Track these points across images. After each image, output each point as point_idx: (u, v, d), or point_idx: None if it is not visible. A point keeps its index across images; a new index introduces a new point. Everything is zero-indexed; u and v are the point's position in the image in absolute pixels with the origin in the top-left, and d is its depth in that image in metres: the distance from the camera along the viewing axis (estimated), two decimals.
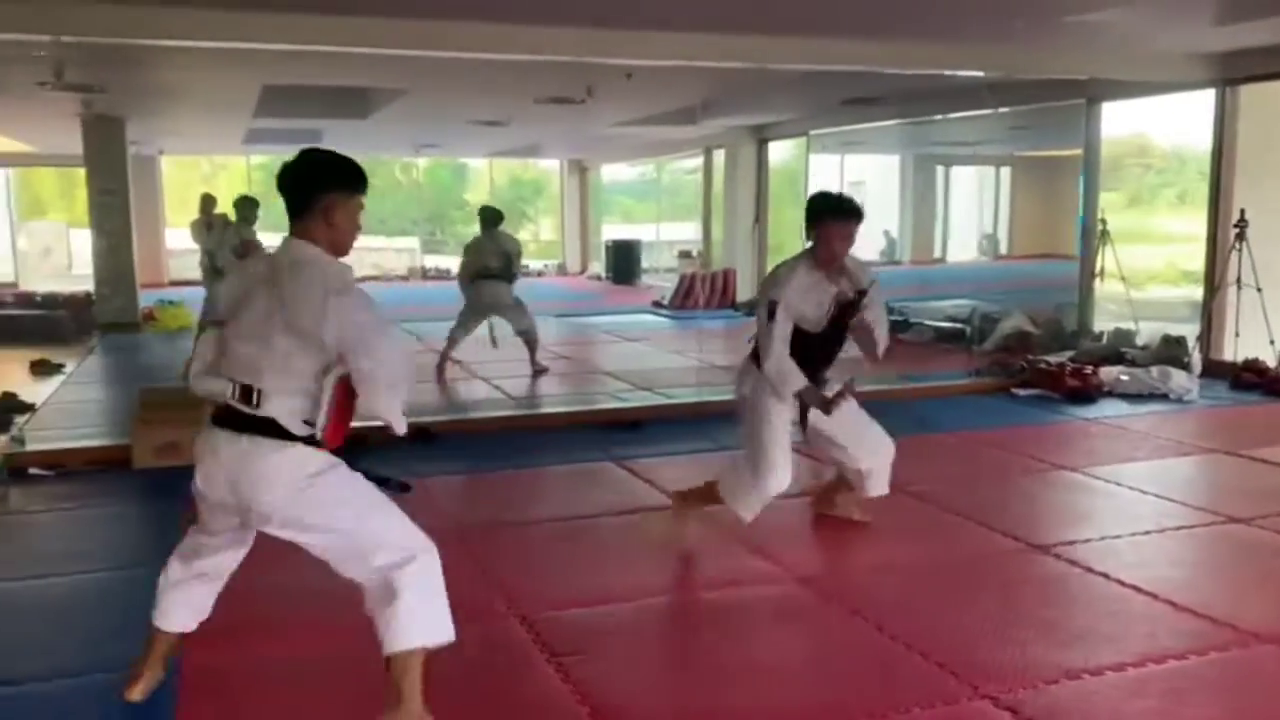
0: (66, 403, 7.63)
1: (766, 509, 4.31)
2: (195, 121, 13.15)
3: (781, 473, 4.20)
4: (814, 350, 4.20)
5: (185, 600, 3.10)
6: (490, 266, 8.83)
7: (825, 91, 10.15)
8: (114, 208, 11.65)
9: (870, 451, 4.43)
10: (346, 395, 2.76)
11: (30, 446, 5.91)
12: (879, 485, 4.51)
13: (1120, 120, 9.55)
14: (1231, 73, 7.96)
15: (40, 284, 15.65)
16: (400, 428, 2.82)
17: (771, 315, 4.06)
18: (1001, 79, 8.13)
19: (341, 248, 2.82)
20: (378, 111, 10.92)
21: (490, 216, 9.15)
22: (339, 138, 14.48)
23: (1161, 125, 18.01)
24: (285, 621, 3.66)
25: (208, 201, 11.33)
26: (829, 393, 4.21)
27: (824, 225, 4.08)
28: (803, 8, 6.24)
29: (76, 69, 7.92)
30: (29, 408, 7.03)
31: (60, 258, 19.90)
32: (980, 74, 7.86)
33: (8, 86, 8.79)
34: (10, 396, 7.08)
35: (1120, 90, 8.84)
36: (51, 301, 12.14)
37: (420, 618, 2.78)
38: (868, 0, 6.02)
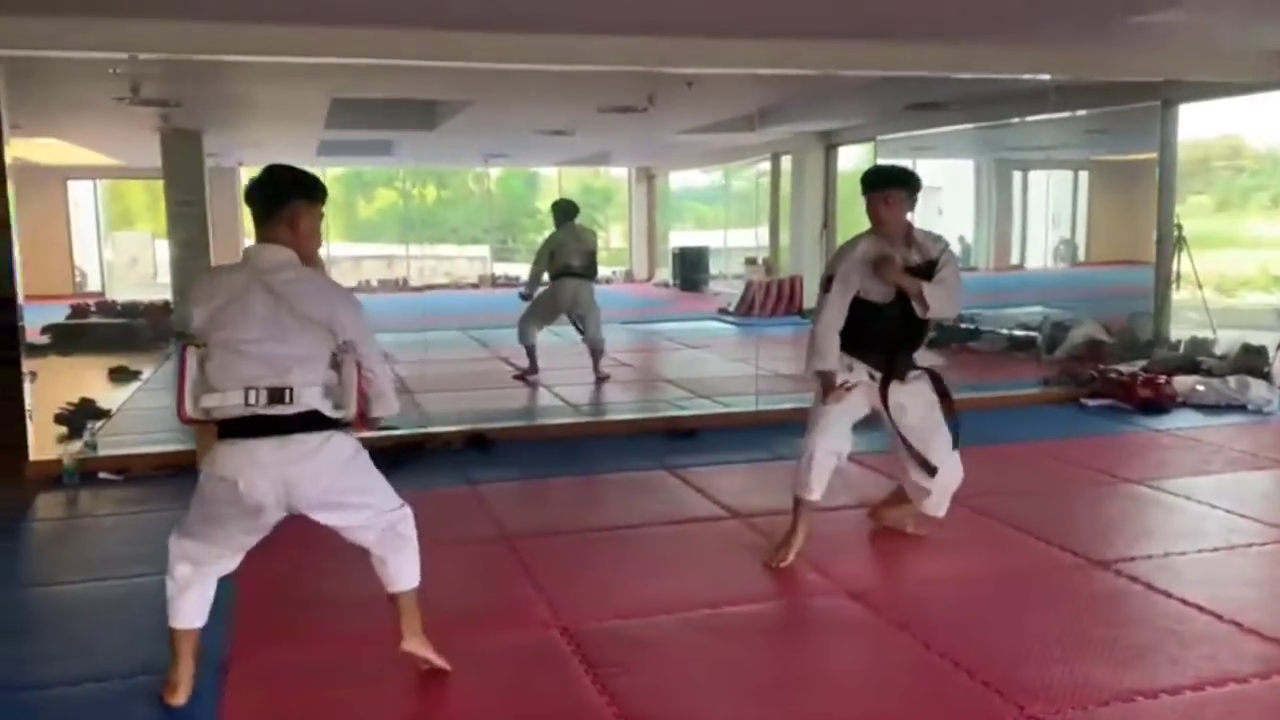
0: (140, 409, 7.87)
1: (825, 521, 4.28)
2: (269, 134, 13.47)
3: (819, 454, 4.25)
4: (886, 327, 4.17)
5: (200, 595, 3.21)
6: (573, 265, 8.61)
7: (891, 97, 10.02)
8: (190, 218, 11.96)
9: (936, 451, 4.32)
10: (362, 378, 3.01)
11: (101, 451, 6.09)
12: (935, 505, 4.42)
13: (1209, 121, 9.26)
14: None
15: (127, 293, 16.16)
16: (387, 411, 3.12)
17: (826, 288, 4.19)
18: (1070, 82, 7.93)
19: (306, 253, 3.04)
20: (445, 123, 11.06)
21: (566, 209, 8.87)
22: (409, 150, 14.74)
23: (1255, 126, 17.43)
24: (330, 627, 3.71)
25: None
26: (909, 378, 4.24)
27: (866, 197, 4.22)
28: (865, 13, 6.17)
29: (152, 84, 8.15)
30: (105, 413, 7.25)
31: (146, 267, 20.51)
32: (1046, 77, 7.68)
33: (88, 102, 9.09)
34: (88, 403, 7.30)
35: (1198, 92, 8.57)
36: (132, 310, 12.53)
37: (418, 561, 3.24)
38: (929, 4, 5.91)
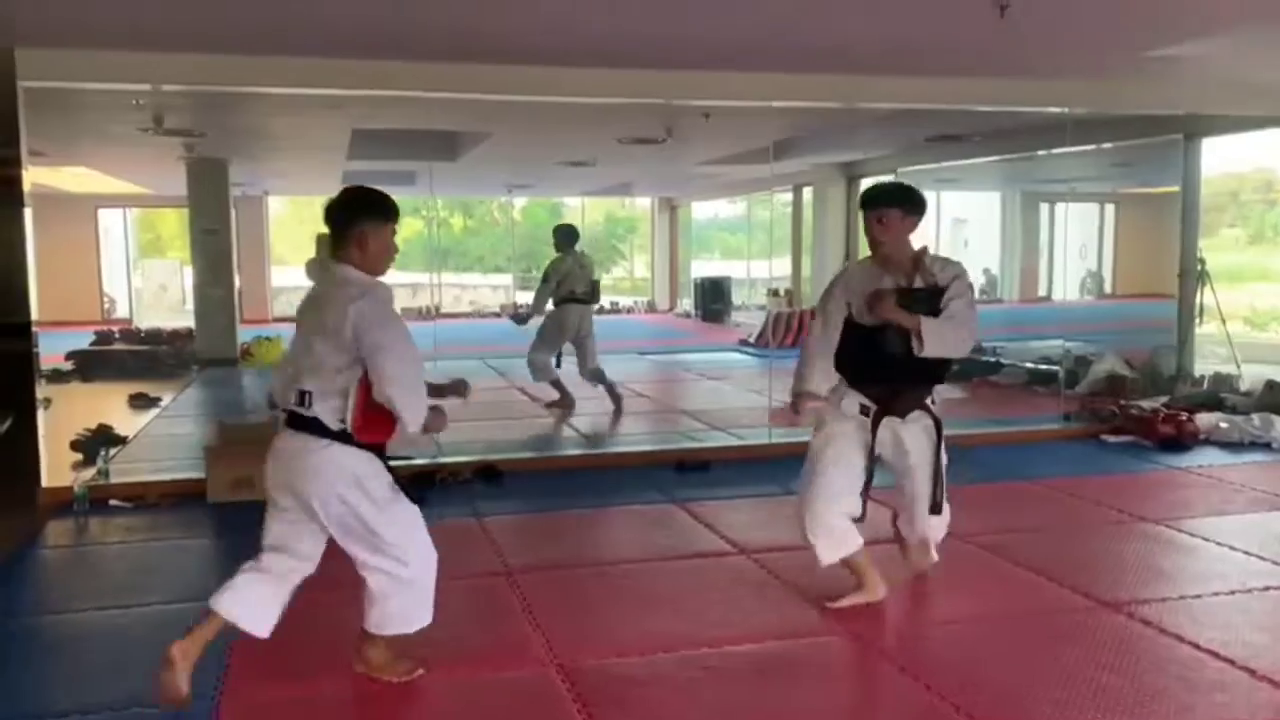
0: (156, 435, 7.92)
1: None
2: (293, 164, 13.64)
3: (817, 506, 4.00)
4: (881, 356, 3.86)
5: (257, 594, 3.34)
6: (578, 291, 8.60)
7: (911, 129, 10.02)
8: (215, 246, 12.10)
9: (919, 514, 4.13)
10: (368, 393, 3.14)
11: (114, 479, 6.12)
12: (919, 554, 4.31)
13: (1242, 154, 9.18)
14: None
15: (155, 320, 16.36)
16: (412, 425, 3.15)
17: (813, 315, 4.16)
18: (1089, 115, 7.88)
19: (374, 268, 3.28)
20: (467, 154, 11.15)
21: (569, 234, 8.84)
22: (435, 181, 14.84)
23: None
24: (325, 665, 3.68)
25: (324, 241, 11.71)
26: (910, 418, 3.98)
27: (862, 216, 4.00)
28: (881, 47, 6.17)
29: (175, 115, 8.29)
30: (121, 440, 7.30)
31: (175, 294, 20.78)
32: (1064, 110, 7.63)
33: (114, 132, 9.23)
34: (105, 429, 7.34)
35: (1220, 125, 8.51)
36: (155, 337, 12.67)
37: (408, 609, 3.39)
38: (943, 38, 5.90)
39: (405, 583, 3.34)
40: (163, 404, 9.31)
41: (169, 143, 9.69)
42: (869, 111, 8.16)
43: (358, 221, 3.23)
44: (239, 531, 5.32)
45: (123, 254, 19.48)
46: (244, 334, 13.04)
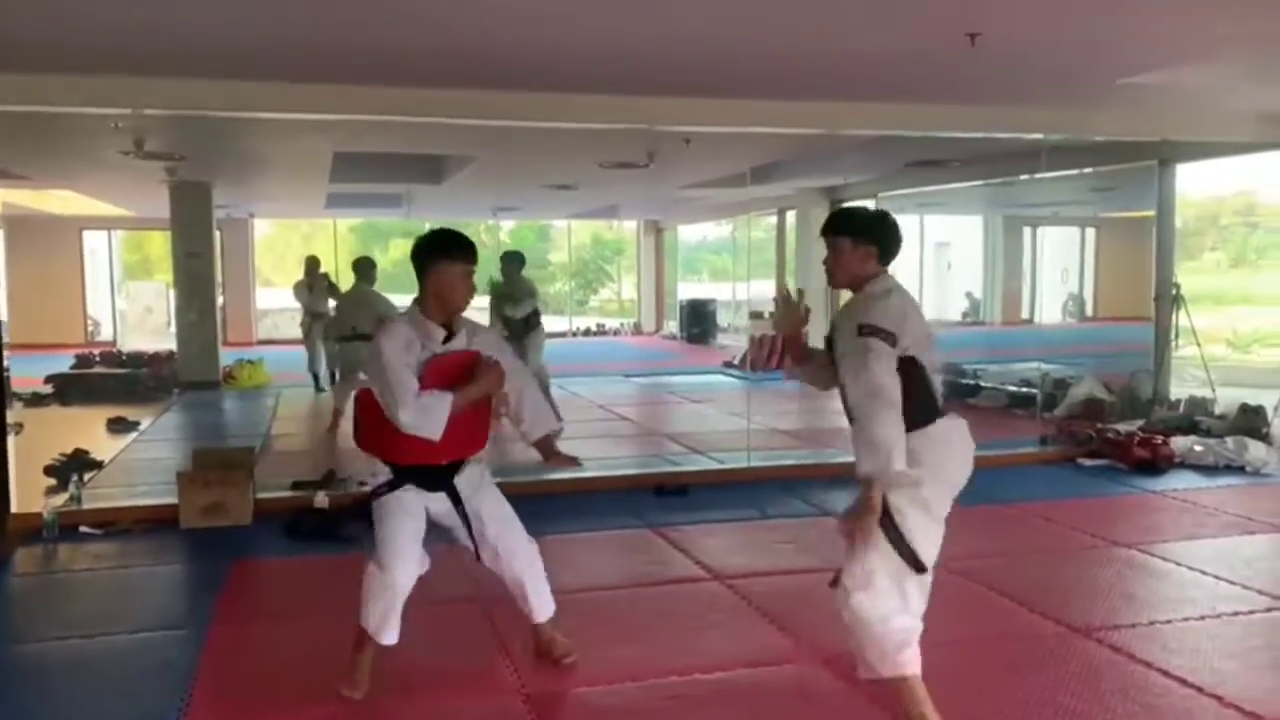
0: (133, 460, 7.88)
1: (799, 583, 4.19)
2: (278, 187, 13.64)
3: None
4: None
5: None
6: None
7: (891, 154, 10.07)
8: (197, 269, 12.08)
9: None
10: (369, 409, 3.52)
11: (87, 504, 6.08)
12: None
13: (1223, 179, 9.28)
14: None
15: (140, 343, 16.31)
16: (417, 431, 3.37)
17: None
18: (1064, 141, 7.95)
19: (442, 306, 3.51)
20: (451, 177, 11.17)
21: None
22: (419, 203, 14.87)
23: (1268, 183, 17.41)
24: (290, 696, 3.66)
25: (311, 263, 11.73)
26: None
27: None
28: (858, 75, 6.22)
29: (155, 139, 8.28)
30: (97, 465, 7.27)
31: (160, 317, 20.73)
32: (1040, 136, 7.70)
33: (94, 156, 9.23)
34: (81, 453, 7.31)
35: (1194, 151, 8.58)
36: (136, 360, 12.61)
37: None
38: (917, 66, 5.95)
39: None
40: (141, 428, 9.27)
41: (151, 166, 9.68)
42: (849, 137, 8.21)
43: (423, 262, 3.50)
44: (210, 557, 5.33)
45: (107, 276, 19.42)
46: (227, 357, 13.01)
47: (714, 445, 8.34)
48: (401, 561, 3.55)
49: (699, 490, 6.78)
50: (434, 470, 3.58)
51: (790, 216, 15.40)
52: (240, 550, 5.47)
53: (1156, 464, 7.15)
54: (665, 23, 4.91)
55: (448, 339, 3.52)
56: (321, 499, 6.04)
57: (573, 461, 3.95)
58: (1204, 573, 4.95)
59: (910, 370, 3.08)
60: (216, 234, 14.12)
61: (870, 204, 13.81)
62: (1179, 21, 5.02)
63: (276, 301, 19.63)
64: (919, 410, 3.07)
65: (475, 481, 3.71)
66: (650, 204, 18.12)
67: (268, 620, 4.45)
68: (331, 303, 10.70)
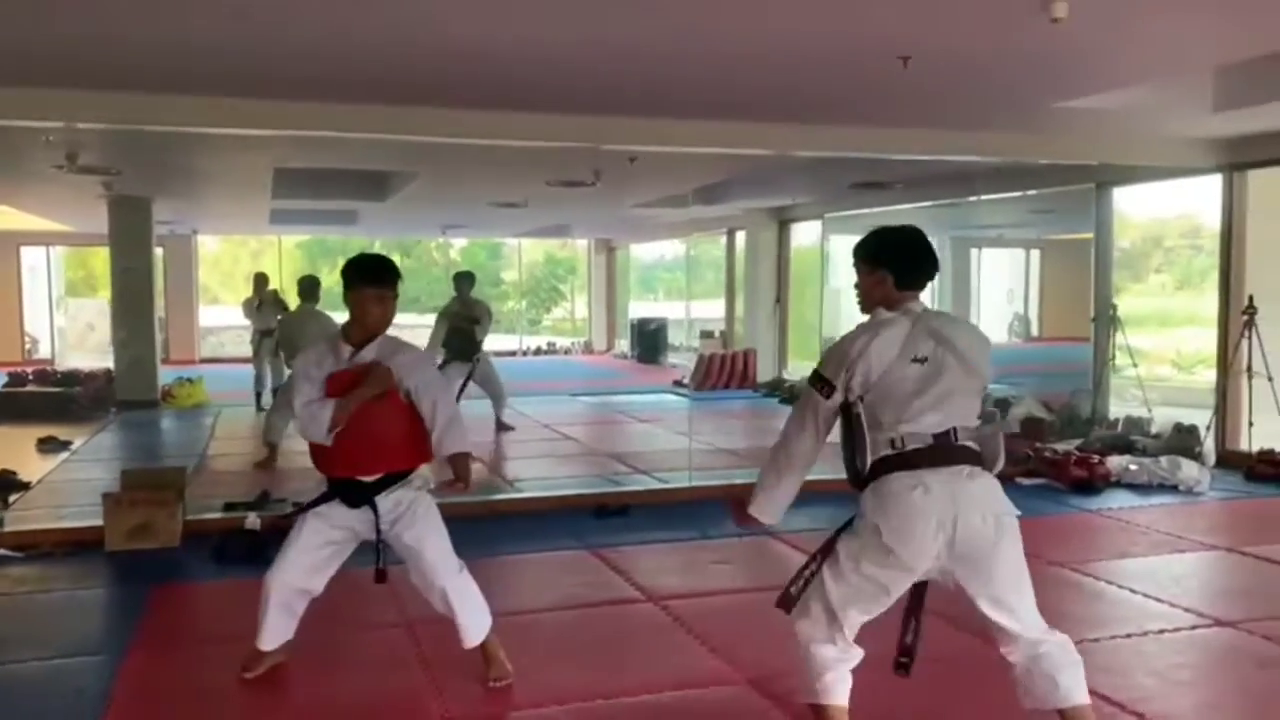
0: (60, 481, 7.69)
1: (730, 603, 4.18)
2: (219, 202, 13.46)
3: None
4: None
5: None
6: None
7: (836, 176, 10.16)
8: (136, 285, 11.85)
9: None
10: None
11: (9, 527, 5.92)
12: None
13: (1169, 200, 9.42)
14: (1237, 158, 7.84)
15: (80, 361, 15.99)
16: (306, 434, 3.62)
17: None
18: (1003, 164, 8.06)
19: (359, 327, 3.67)
20: (396, 194, 11.09)
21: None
22: (367, 220, 14.75)
23: (1212, 206, 17.72)
24: None
25: (259, 280, 11.57)
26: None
27: None
28: (800, 98, 6.26)
29: (89, 153, 8.13)
30: (23, 486, 7.08)
31: (102, 334, 20.33)
32: (978, 159, 7.79)
33: (28, 169, 9.04)
34: (7, 474, 7.13)
35: (1130, 175, 8.75)
36: (71, 379, 12.34)
37: None
38: (853, 89, 6.00)
39: None
40: (73, 448, 9.05)
41: (87, 181, 9.50)
42: (794, 158, 8.26)
43: (346, 286, 3.67)
44: (133, 582, 5.20)
45: (46, 293, 19.04)
46: (167, 375, 12.78)
47: (657, 465, 8.31)
48: (279, 567, 3.70)
49: (640, 510, 6.74)
50: (358, 485, 3.66)
51: (740, 237, 15.46)
52: (165, 574, 5.34)
53: (1093, 483, 7.24)
54: (603, 45, 4.92)
55: (354, 355, 3.65)
56: (253, 520, 5.91)
57: (458, 486, 3.84)
58: (1133, 591, 5.00)
59: (849, 418, 2.95)
60: (158, 250, 13.93)
61: (817, 225, 13.94)
62: (1112, 47, 5.12)
63: (223, 319, 19.37)
64: (861, 462, 2.93)
65: (403, 506, 3.72)
66: (601, 223, 18.14)
67: (187, 645, 4.34)
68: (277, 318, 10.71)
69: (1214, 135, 7.68)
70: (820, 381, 2.97)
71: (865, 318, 3.11)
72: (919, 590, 3.07)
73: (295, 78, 5.60)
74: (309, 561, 3.72)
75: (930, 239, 3.12)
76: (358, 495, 3.67)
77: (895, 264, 3.05)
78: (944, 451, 2.90)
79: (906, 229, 3.21)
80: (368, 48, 4.95)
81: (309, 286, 8.74)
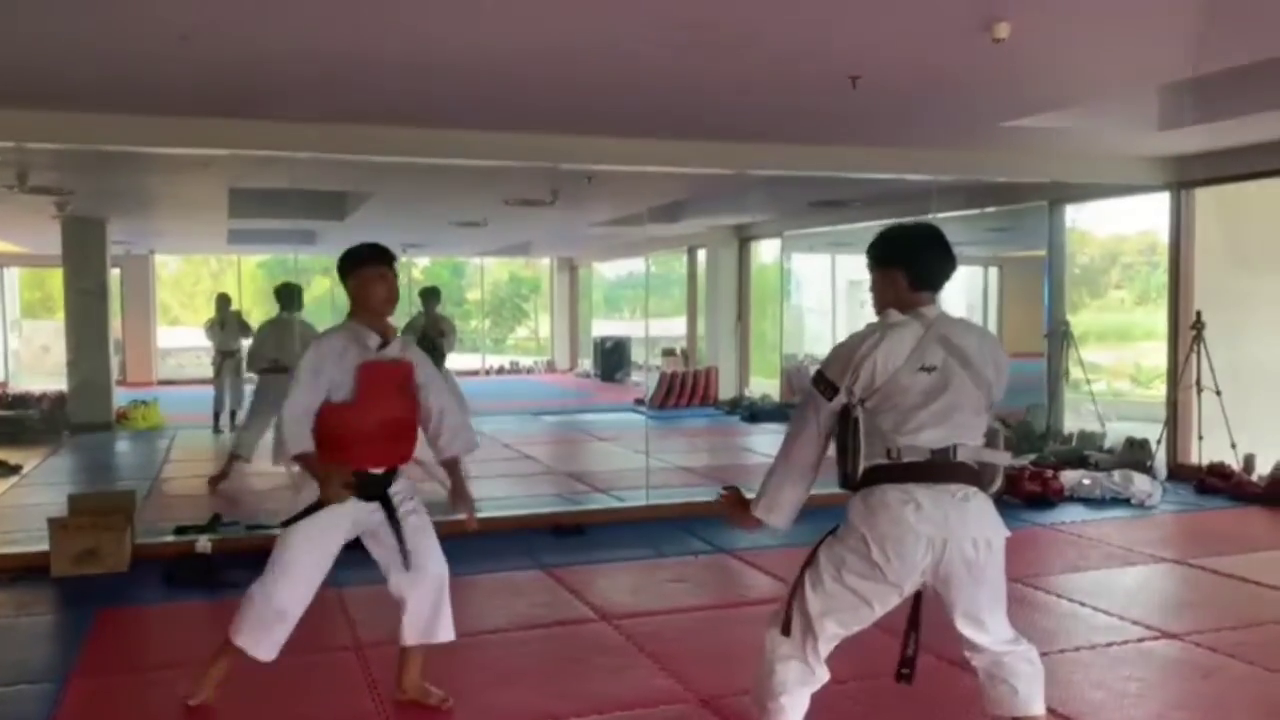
0: (8, 506, 7.56)
1: (681, 622, 4.15)
2: (175, 222, 13.32)
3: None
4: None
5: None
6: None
7: (794, 194, 10.24)
8: (91, 307, 11.69)
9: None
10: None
11: None
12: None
13: (1128, 217, 9.53)
14: (1184, 175, 7.98)
15: (36, 383, 15.69)
16: (278, 432, 3.53)
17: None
18: (960, 182, 8.15)
19: (366, 309, 3.64)
20: (353, 213, 11.03)
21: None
22: (328, 240, 14.63)
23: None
24: None
25: (222, 300, 11.46)
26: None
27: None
28: (755, 117, 6.30)
29: (40, 173, 8.03)
30: None
31: (58, 356, 20.01)
32: (931, 177, 7.88)
33: None
34: None
35: (1081, 193, 8.87)
36: (22, 401, 12.14)
37: None
38: (805, 108, 6.06)
39: None
40: (23, 472, 8.90)
41: (42, 200, 9.38)
42: (752, 176, 8.31)
43: (341, 273, 3.68)
44: (79, 607, 5.11)
45: (0, 315, 18.72)
46: (123, 397, 12.61)
47: (615, 484, 8.30)
48: (289, 584, 3.59)
49: (597, 529, 6.73)
50: (372, 478, 3.62)
51: (701, 254, 15.51)
52: (113, 598, 5.25)
53: (1047, 497, 7.31)
54: (568, 62, 4.93)
55: (382, 346, 3.65)
56: (204, 544, 5.85)
57: (468, 506, 3.88)
58: (1082, 604, 5.05)
59: (846, 421, 2.83)
60: (115, 271, 13.76)
61: (776, 243, 14.01)
62: (1054, 68, 5.20)
63: (183, 340, 19.12)
64: (853, 467, 2.82)
65: (402, 493, 3.73)
66: (562, 241, 18.12)
67: (131, 671, 4.28)
68: (244, 341, 10.56)
69: (1160, 154, 7.82)
70: (823, 382, 2.85)
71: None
72: (917, 602, 3.02)
73: (244, 96, 5.57)
74: (315, 578, 3.65)
75: None
76: (374, 487, 3.62)
77: (908, 262, 2.90)
78: (940, 469, 2.78)
79: (921, 225, 3.06)
80: (312, 63, 4.93)
81: (287, 293, 8.46)
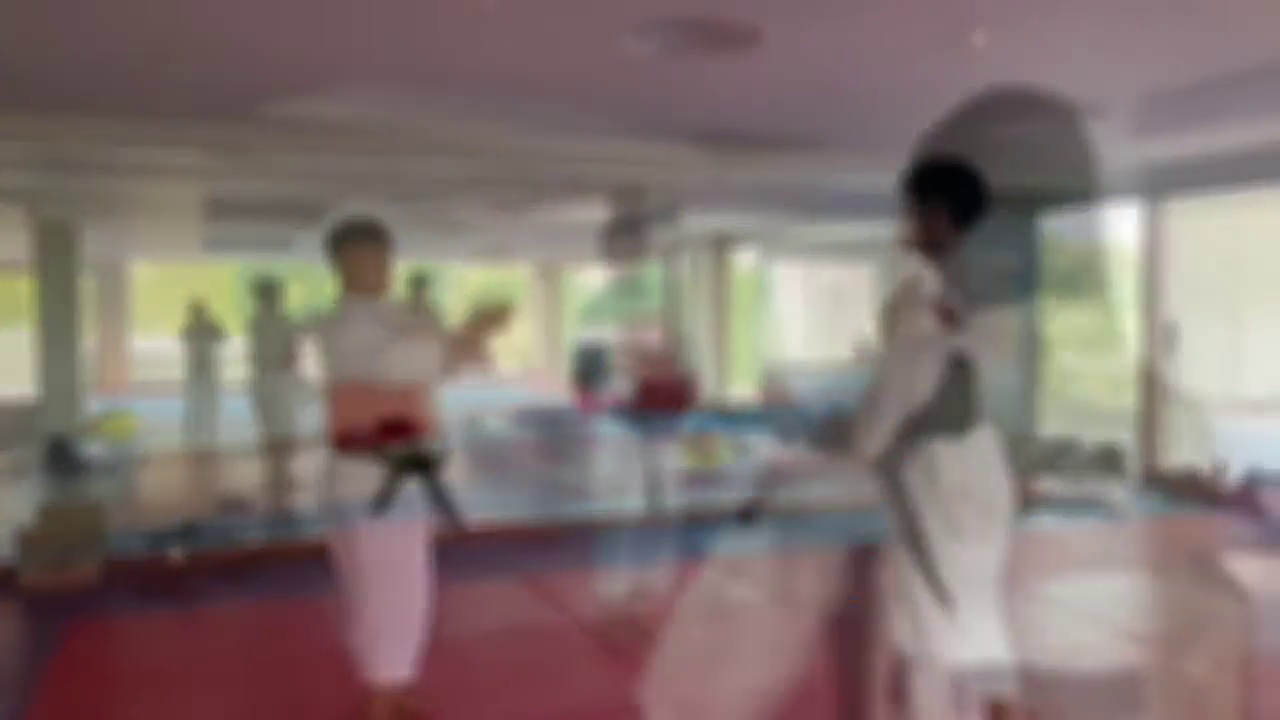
0: None
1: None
2: (149, 229, 13.19)
3: None
4: None
5: None
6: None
7: (771, 200, 10.23)
8: (60, 315, 11.54)
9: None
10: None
11: None
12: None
13: (1116, 225, 9.59)
14: (1158, 185, 8.02)
15: (3, 391, 15.48)
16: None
17: None
18: None
19: (359, 292, 3.37)
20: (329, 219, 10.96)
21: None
22: (304, 246, 14.54)
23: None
24: None
25: (196, 307, 11.39)
26: None
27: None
28: (734, 121, 6.31)
29: (5, 175, 7.94)
30: None
31: (29, 364, 19.79)
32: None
33: None
34: None
35: (1058, 201, 8.90)
36: None
37: None
38: (792, 116, 6.06)
39: None
40: None
41: (9, 207, 9.28)
42: (730, 181, 8.30)
43: (331, 254, 3.43)
44: (48, 620, 5.04)
45: None
46: (96, 405, 12.48)
47: (592, 490, 8.24)
48: (420, 590, 3.52)
49: (574, 536, 6.70)
50: (417, 454, 3.43)
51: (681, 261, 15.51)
52: (82, 611, 5.19)
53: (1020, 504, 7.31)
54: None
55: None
56: (176, 554, 5.79)
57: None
58: (1055, 611, 5.05)
59: None
60: (90, 278, 13.63)
61: (757, 248, 14.05)
62: (1030, 77, 5.21)
63: (158, 347, 18.96)
64: None
65: None
66: (542, 246, 18.07)
67: (100, 685, 4.21)
68: (217, 344, 10.87)
69: (1135, 163, 7.86)
70: None
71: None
72: None
73: (214, 98, 5.53)
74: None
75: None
76: (418, 461, 3.44)
77: (951, 197, 2.66)
78: None
79: (957, 157, 2.74)
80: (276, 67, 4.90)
81: (267, 289, 8.32)
